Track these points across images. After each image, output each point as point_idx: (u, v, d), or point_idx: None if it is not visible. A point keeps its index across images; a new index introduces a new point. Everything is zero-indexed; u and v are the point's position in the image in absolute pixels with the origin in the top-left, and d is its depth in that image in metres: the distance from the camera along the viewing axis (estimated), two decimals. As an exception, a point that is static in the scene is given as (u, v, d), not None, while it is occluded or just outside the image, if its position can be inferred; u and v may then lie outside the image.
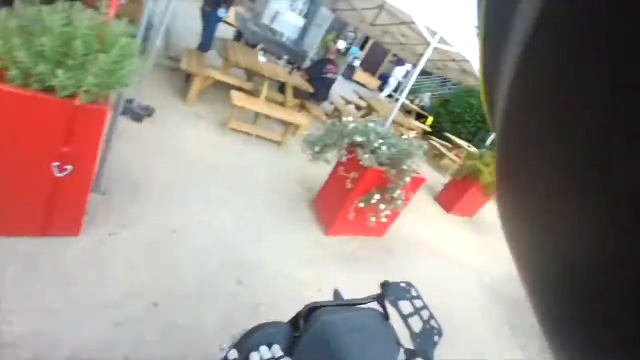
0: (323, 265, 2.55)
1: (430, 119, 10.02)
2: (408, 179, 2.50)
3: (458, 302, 3.04)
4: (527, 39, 0.14)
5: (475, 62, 4.58)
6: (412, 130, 7.80)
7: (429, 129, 9.55)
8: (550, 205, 0.14)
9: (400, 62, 12.69)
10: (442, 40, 3.89)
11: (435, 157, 7.94)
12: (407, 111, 9.98)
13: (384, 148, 2.44)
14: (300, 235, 2.73)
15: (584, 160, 0.12)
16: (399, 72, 13.08)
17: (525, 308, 3.54)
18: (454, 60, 5.36)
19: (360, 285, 2.57)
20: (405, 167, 2.44)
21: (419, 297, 1.33)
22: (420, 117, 10.09)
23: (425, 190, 5.53)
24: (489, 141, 5.51)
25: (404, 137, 2.81)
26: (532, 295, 0.17)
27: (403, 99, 3.95)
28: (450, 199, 5.18)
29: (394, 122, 6.14)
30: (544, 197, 0.14)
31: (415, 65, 7.72)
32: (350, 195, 2.60)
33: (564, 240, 0.14)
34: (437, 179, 6.36)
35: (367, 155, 2.37)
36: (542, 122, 0.14)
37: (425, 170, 6.90)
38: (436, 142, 7.94)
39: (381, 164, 2.46)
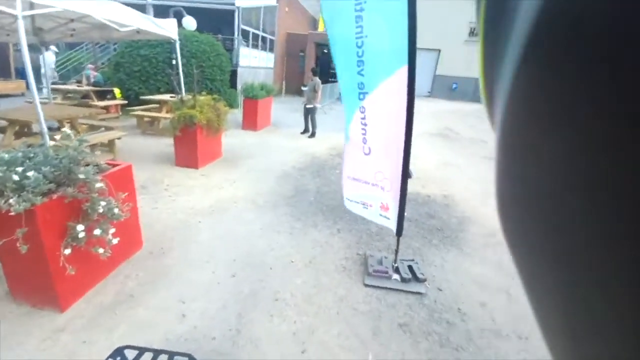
0: (83, 346, 1.86)
1: (117, 91, 8.65)
2: (99, 184, 1.95)
3: (253, 239, 3.09)
4: (528, 37, 0.13)
5: (95, 11, 3.82)
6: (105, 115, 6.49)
7: (124, 101, 8.31)
8: (552, 202, 0.14)
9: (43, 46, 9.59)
10: (35, 6, 2.89)
11: (153, 124, 7.17)
12: (83, 97, 8.12)
13: (31, 174, 1.70)
14: (20, 342, 1.83)
15: (587, 157, 0.12)
16: (48, 59, 10.04)
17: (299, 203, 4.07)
18: (72, 20, 4.32)
19: (149, 337, 2.10)
20: (81, 175, 1.85)
21: (145, 350, 1.05)
22: (105, 95, 8.50)
23: (161, 162, 4.97)
24: (182, 84, 5.24)
25: (52, 143, 2.09)
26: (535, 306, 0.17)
27: (39, 92, 2.92)
28: (188, 155, 4.89)
29: (62, 121, 4.79)
30: (545, 195, 0.14)
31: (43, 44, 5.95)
32: (42, 253, 1.83)
33: (565, 238, 0.13)
34: (167, 144, 5.80)
35: (11, 200, 1.60)
36: (543, 119, 0.13)
37: (150, 142, 6.15)
38: (139, 111, 7.05)
39: (47, 193, 1.76)
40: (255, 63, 12.94)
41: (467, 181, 5.30)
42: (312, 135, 7.72)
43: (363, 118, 2.35)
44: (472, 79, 22.67)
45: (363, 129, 2.39)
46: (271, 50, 14.78)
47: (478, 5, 0.18)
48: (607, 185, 0.11)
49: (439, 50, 22.23)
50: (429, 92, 23.24)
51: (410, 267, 2.69)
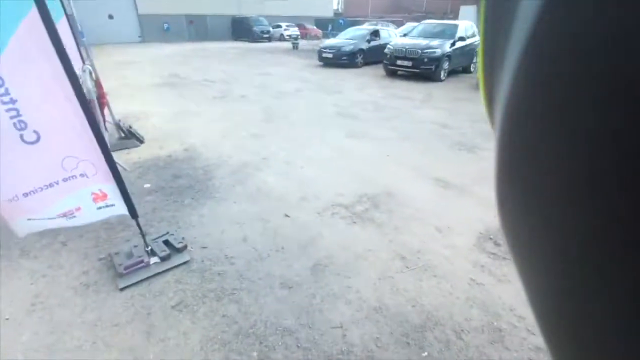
0: None
1: None
2: None
3: None
4: (527, 38, 0.13)
5: None
6: None
7: None
8: (551, 203, 0.14)
9: None
10: None
11: None
12: None
13: None
14: None
15: (586, 158, 0.12)
16: None
17: None
18: None
19: None
20: None
21: None
22: None
23: None
24: None
25: None
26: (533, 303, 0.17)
27: None
28: None
29: None
30: (545, 194, 0.14)
31: None
32: None
33: (564, 238, 0.13)
34: None
35: None
36: (543, 120, 0.13)
37: None
38: None
39: None
40: None
41: (203, 124, 5.26)
42: None
43: (5, 94, 1.60)
44: (182, 16, 21.51)
45: (12, 109, 1.65)
46: None
47: (478, 6, 0.19)
48: (605, 185, 0.11)
49: (130, -15, 19.18)
50: (139, 36, 20.39)
51: (166, 242, 2.46)
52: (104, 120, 4.17)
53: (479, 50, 0.20)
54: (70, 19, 6.84)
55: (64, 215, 1.94)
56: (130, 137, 4.39)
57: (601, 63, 0.11)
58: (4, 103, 1.64)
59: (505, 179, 0.17)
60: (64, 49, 1.66)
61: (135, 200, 3.19)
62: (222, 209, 3.01)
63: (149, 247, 2.36)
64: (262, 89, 7.87)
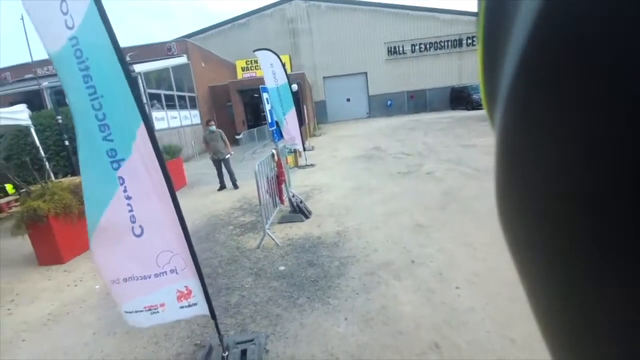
0: None
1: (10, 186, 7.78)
2: None
3: None
4: (525, 45, 0.14)
5: None
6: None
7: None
8: (550, 203, 0.14)
9: None
10: None
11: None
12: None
13: None
14: None
15: (584, 159, 0.12)
16: None
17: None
18: None
19: None
20: None
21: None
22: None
23: (21, 264, 4.16)
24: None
25: None
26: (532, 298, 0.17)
27: None
28: (49, 251, 4.21)
29: None
30: (544, 194, 0.14)
31: None
32: None
33: (563, 238, 0.13)
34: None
35: None
36: (542, 120, 0.14)
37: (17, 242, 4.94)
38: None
39: None
40: (175, 123, 12.54)
41: (370, 205, 4.96)
42: (235, 187, 7.16)
43: (125, 191, 1.87)
44: (404, 92, 23.63)
45: (129, 204, 1.89)
46: (193, 107, 14.52)
47: (478, 15, 0.19)
48: (604, 185, 0.11)
49: (366, 73, 23.12)
50: (367, 113, 23.85)
51: (244, 353, 2.15)
52: (280, 195, 4.65)
53: (479, 50, 0.19)
54: (301, 109, 8.52)
55: (149, 309, 2.00)
56: (298, 212, 4.67)
57: (601, 62, 0.11)
58: (126, 199, 1.89)
59: (505, 179, 0.17)
60: (162, 154, 1.79)
61: (262, 283, 3.16)
62: (327, 323, 2.45)
63: (226, 353, 2.12)
64: (455, 165, 6.89)
